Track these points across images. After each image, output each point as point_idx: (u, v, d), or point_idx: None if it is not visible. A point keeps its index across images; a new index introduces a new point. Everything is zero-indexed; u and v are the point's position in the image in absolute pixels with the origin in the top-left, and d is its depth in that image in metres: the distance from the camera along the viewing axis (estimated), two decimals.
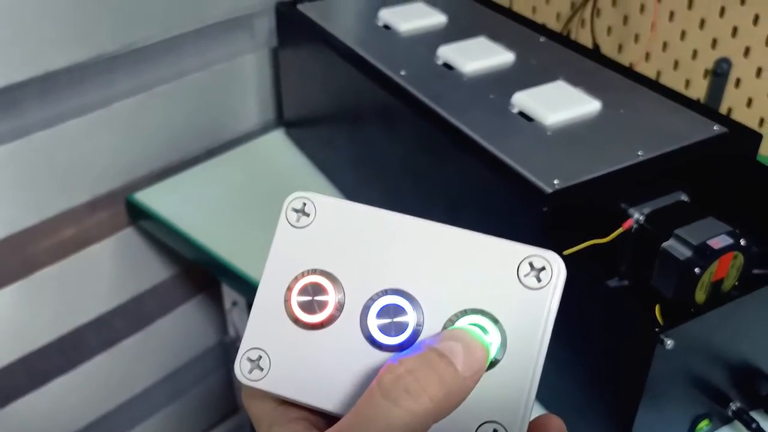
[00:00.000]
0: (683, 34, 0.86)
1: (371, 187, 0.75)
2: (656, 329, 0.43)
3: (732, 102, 0.84)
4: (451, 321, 0.27)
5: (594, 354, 0.50)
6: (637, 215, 0.54)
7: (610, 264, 0.56)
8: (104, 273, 0.86)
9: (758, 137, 0.58)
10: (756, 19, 0.79)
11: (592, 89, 0.64)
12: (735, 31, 0.81)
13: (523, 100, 0.62)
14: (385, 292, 0.28)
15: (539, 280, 0.27)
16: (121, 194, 0.83)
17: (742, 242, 0.51)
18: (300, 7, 0.83)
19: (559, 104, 0.61)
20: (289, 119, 0.92)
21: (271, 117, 0.97)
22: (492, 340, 0.27)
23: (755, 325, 0.50)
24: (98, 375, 0.90)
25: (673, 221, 0.52)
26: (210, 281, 0.95)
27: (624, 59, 0.92)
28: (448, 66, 0.69)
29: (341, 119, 0.78)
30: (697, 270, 0.49)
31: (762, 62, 0.80)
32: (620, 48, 0.92)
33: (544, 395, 0.56)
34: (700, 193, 0.56)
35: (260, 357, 0.29)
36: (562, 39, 0.75)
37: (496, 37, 0.74)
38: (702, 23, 0.83)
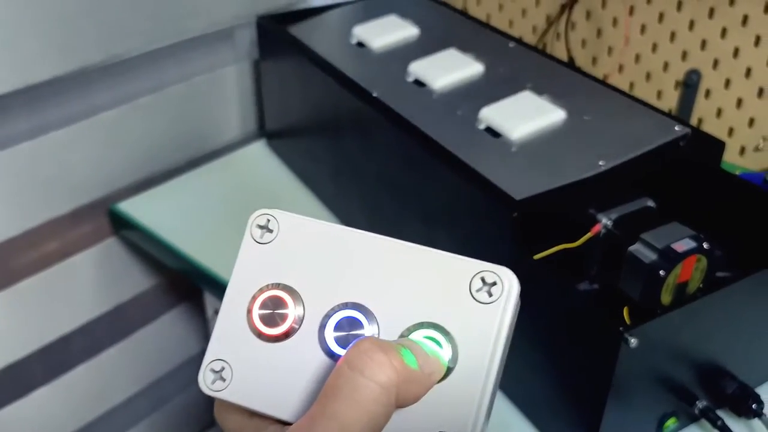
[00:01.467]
0: (654, 47, 0.88)
1: (350, 197, 0.76)
2: (620, 328, 0.44)
3: (702, 113, 0.86)
4: (404, 335, 0.28)
5: (563, 354, 0.52)
6: (605, 220, 0.55)
7: (580, 268, 0.57)
8: (87, 283, 0.86)
9: (721, 145, 0.60)
10: (724, 32, 0.81)
11: (558, 95, 0.65)
12: (704, 43, 0.83)
13: (490, 115, 0.64)
14: (343, 306, 0.29)
15: (490, 295, 0.28)
16: (103, 204, 0.84)
17: (705, 246, 0.53)
18: (280, 21, 0.84)
19: (524, 117, 0.63)
20: (270, 130, 0.94)
21: (252, 128, 0.99)
22: (445, 352, 0.27)
23: (719, 324, 0.52)
24: (81, 385, 0.91)
25: (639, 226, 0.54)
26: (192, 291, 0.96)
27: (598, 71, 0.95)
28: (419, 83, 0.71)
29: (321, 131, 0.79)
30: (661, 272, 0.51)
31: (730, 74, 0.82)
32: (594, 60, 0.95)
33: (516, 394, 0.57)
34: (666, 200, 0.58)
35: (223, 368, 0.30)
36: (531, 45, 0.77)
37: (467, 46, 0.75)
38: (672, 36, 0.86)
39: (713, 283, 0.54)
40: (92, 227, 0.85)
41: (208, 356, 0.30)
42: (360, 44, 0.80)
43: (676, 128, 0.60)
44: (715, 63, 0.83)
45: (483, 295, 0.28)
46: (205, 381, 0.30)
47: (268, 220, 0.32)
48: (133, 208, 0.82)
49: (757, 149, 0.83)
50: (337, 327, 0.29)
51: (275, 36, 0.82)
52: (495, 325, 0.27)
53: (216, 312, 0.90)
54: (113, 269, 0.88)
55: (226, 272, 0.73)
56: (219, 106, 0.93)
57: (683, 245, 0.52)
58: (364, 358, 0.25)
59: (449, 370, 0.27)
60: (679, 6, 0.84)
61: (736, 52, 0.81)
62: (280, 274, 0.31)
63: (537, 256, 0.53)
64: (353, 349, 0.26)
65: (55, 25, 0.73)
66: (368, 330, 0.29)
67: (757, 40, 0.79)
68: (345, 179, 0.76)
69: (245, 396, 0.29)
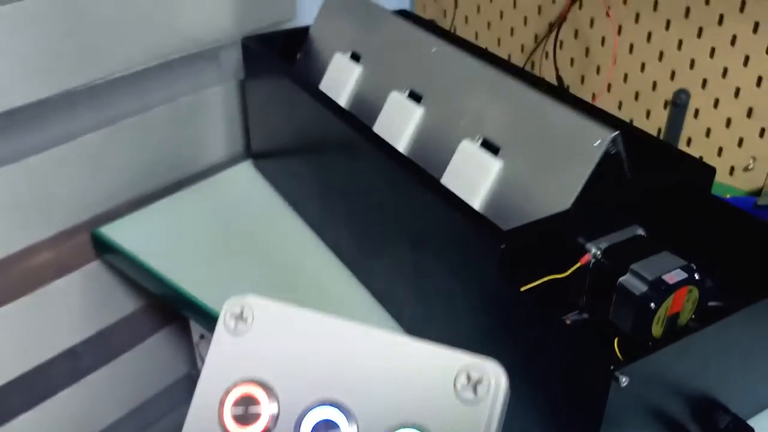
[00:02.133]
0: (643, 66, 0.88)
1: (337, 220, 0.75)
2: (611, 367, 0.43)
3: (691, 132, 0.86)
4: None
5: (553, 389, 0.51)
6: (594, 250, 0.55)
7: (569, 297, 0.57)
8: (70, 307, 0.85)
9: (712, 171, 0.59)
10: (712, 52, 0.81)
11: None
12: (692, 63, 0.83)
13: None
14: (320, 403, 0.28)
15: (476, 393, 0.26)
16: (86, 228, 0.83)
17: (697, 276, 0.52)
18: (267, 41, 0.83)
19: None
20: (256, 152, 0.93)
21: (239, 149, 0.98)
22: None
23: (712, 357, 0.51)
24: (64, 410, 0.89)
25: (629, 256, 0.53)
26: (178, 313, 0.95)
27: (586, 90, 0.94)
28: (414, 98, 0.70)
29: (306, 153, 0.78)
30: (652, 305, 0.50)
31: (719, 93, 0.82)
32: (582, 79, 0.94)
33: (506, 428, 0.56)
34: (656, 227, 0.57)
35: None
36: (524, 76, 0.76)
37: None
38: (661, 55, 0.85)
39: (705, 313, 0.54)
40: (75, 251, 0.83)
41: None
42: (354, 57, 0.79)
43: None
44: (704, 83, 0.83)
45: (468, 394, 0.26)
46: None
47: (243, 309, 0.30)
48: (115, 231, 0.81)
49: (746, 169, 0.83)
50: (315, 428, 0.28)
51: (260, 57, 0.81)
52: (482, 426, 0.26)
53: (202, 337, 0.89)
54: (97, 293, 0.87)
55: (209, 298, 0.72)
56: (205, 127, 0.92)
57: (674, 276, 0.51)
58: None
59: None
60: (668, 25, 0.84)
61: (725, 72, 0.81)
62: (254, 368, 0.29)
63: (524, 288, 0.52)
64: None
65: (34, 49, 0.72)
66: (346, 431, 0.27)
67: (746, 60, 0.78)
68: (331, 202, 0.75)
69: None
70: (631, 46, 0.88)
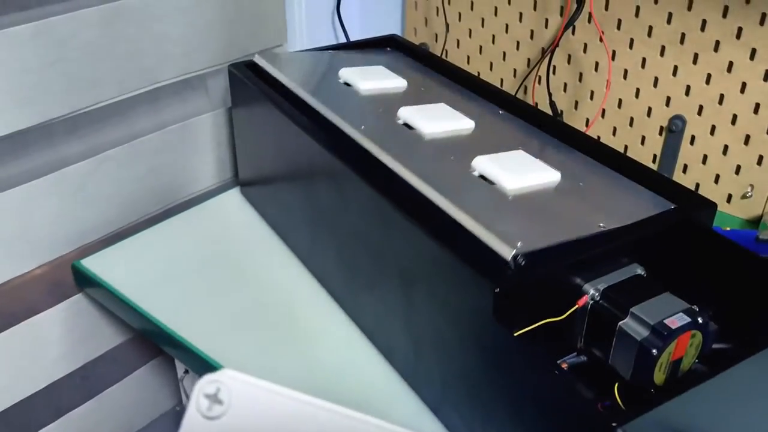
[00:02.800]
0: (637, 92, 0.86)
1: (326, 252, 0.73)
2: (613, 423, 0.41)
3: (688, 159, 0.85)
4: None
5: None
6: (592, 291, 0.53)
7: (567, 339, 0.55)
8: (52, 342, 0.82)
9: (713, 207, 0.58)
10: (708, 79, 0.80)
11: (550, 162, 0.63)
12: (688, 90, 0.82)
13: (484, 163, 0.61)
14: None
15: None
16: (70, 261, 0.80)
17: (700, 320, 0.50)
18: (256, 59, 0.82)
19: (520, 170, 0.60)
20: (244, 180, 0.91)
21: (228, 176, 0.96)
22: None
23: (718, 405, 0.49)
24: None
25: (629, 298, 0.52)
26: None
27: (580, 116, 0.93)
28: (408, 126, 0.69)
29: (293, 182, 0.76)
30: (654, 351, 0.48)
31: (715, 120, 0.81)
32: (576, 105, 0.93)
33: None
34: (657, 265, 0.56)
35: None
36: (521, 112, 0.75)
37: (455, 106, 0.73)
38: (655, 82, 0.84)
39: (709, 356, 0.52)
40: (57, 285, 0.81)
41: None
42: (347, 84, 0.77)
43: (670, 199, 0.58)
44: (700, 109, 0.82)
45: None
46: None
47: (219, 389, 0.28)
48: (97, 264, 0.79)
49: (744, 197, 0.81)
50: None
51: (246, 84, 0.79)
52: None
53: (186, 371, 0.86)
54: (80, 326, 0.85)
55: (191, 335, 0.69)
56: (193, 155, 0.90)
57: (677, 320, 0.49)
58: None
59: None
60: (662, 51, 0.82)
61: (721, 99, 0.79)
62: None
63: (518, 333, 0.50)
64: None
65: (15, 78, 0.69)
66: None
67: (743, 87, 0.77)
68: (319, 233, 0.73)
69: None
70: (626, 72, 0.87)
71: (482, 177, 0.61)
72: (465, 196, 0.57)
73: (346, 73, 0.78)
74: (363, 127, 0.66)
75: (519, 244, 0.50)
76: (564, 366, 0.54)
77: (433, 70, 0.85)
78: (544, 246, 0.51)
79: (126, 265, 0.79)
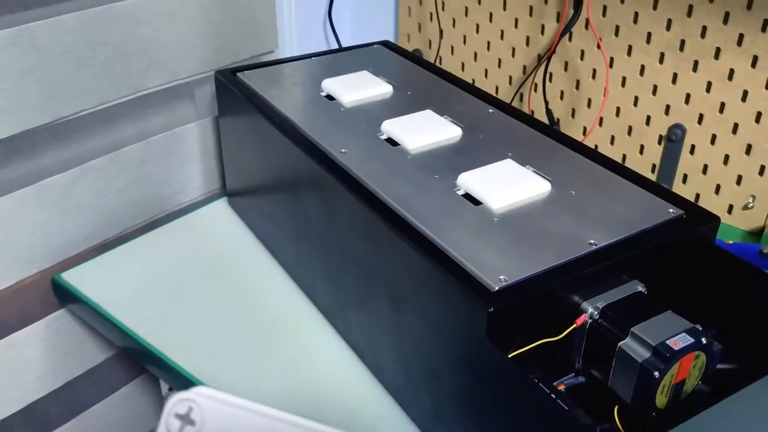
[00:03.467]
0: (636, 100, 0.84)
1: (312, 267, 0.70)
2: None
3: (687, 169, 0.82)
4: None
5: None
6: (591, 310, 0.50)
7: (564, 359, 0.52)
8: (32, 360, 0.80)
9: (716, 220, 0.55)
10: (708, 87, 0.77)
11: (541, 167, 0.61)
12: (688, 98, 0.80)
13: (469, 181, 0.59)
14: None
15: None
16: (50, 275, 0.78)
17: (704, 340, 0.48)
18: (240, 75, 0.79)
19: (507, 185, 0.58)
20: (231, 191, 0.88)
21: (216, 187, 0.93)
22: None
23: (724, 429, 0.47)
24: None
25: (629, 317, 0.49)
26: None
27: (577, 124, 0.90)
28: (392, 142, 0.66)
29: (280, 194, 0.74)
30: (656, 374, 0.46)
31: (716, 129, 0.78)
32: (573, 113, 0.91)
33: None
34: (658, 281, 0.53)
35: None
36: (512, 110, 0.72)
37: (443, 108, 0.71)
38: (654, 89, 0.82)
39: (713, 377, 0.49)
40: (38, 300, 0.78)
41: None
42: (329, 97, 0.75)
43: (670, 210, 0.55)
44: (700, 118, 0.79)
45: None
46: None
47: (191, 408, 0.26)
48: (78, 278, 0.76)
49: (746, 208, 0.79)
50: None
51: (233, 91, 0.77)
52: None
53: (171, 389, 0.83)
54: (62, 343, 0.82)
55: (174, 353, 0.67)
56: (179, 165, 0.87)
57: (680, 341, 0.47)
58: None
59: None
60: (662, 59, 0.80)
61: (722, 107, 0.77)
62: None
63: (512, 354, 0.47)
64: None
65: None
66: None
67: (744, 95, 0.75)
68: (306, 247, 0.71)
69: None
70: (624, 80, 0.84)
71: (468, 196, 0.58)
72: (449, 224, 0.54)
73: (329, 85, 0.75)
74: (344, 150, 0.64)
75: (502, 277, 0.48)
76: (561, 387, 0.52)
77: (422, 68, 0.83)
78: (533, 273, 0.49)
79: (108, 280, 0.76)
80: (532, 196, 0.58)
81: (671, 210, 0.56)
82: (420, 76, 0.81)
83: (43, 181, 0.75)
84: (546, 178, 0.59)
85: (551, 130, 0.69)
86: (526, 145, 0.65)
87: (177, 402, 0.26)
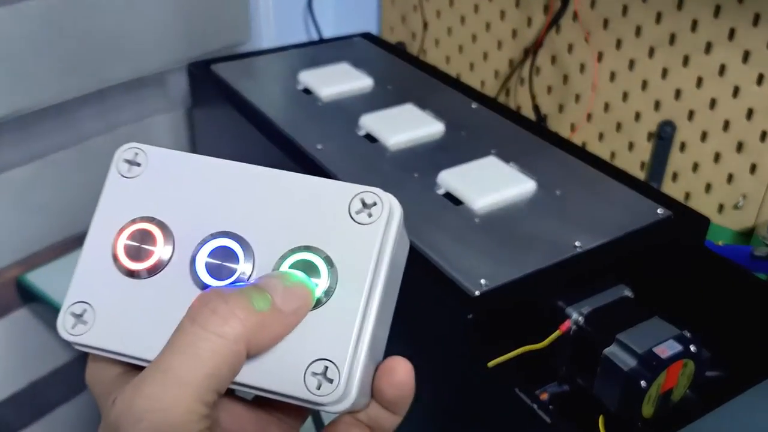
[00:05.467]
0: (625, 96, 0.82)
1: None
2: None
3: (677, 166, 0.80)
4: (282, 258, 0.27)
5: None
6: (575, 315, 0.48)
7: (549, 365, 0.49)
8: None
9: (706, 222, 0.53)
10: (699, 82, 0.75)
11: (525, 165, 0.58)
12: (678, 93, 0.77)
13: (450, 179, 0.56)
14: (216, 236, 0.28)
15: (370, 216, 0.27)
16: (12, 273, 0.74)
17: (692, 348, 0.45)
18: (214, 67, 0.76)
19: (489, 184, 0.55)
20: None
21: None
22: (322, 278, 0.26)
23: None
24: None
25: (615, 323, 0.47)
26: None
27: (565, 120, 0.88)
28: (370, 138, 0.63)
29: None
30: (643, 383, 0.43)
31: (707, 126, 0.76)
32: (561, 108, 0.88)
33: None
34: (645, 285, 0.51)
35: (85, 311, 0.28)
36: (496, 105, 0.70)
37: (425, 102, 0.68)
38: (644, 85, 0.79)
39: (701, 385, 0.47)
40: (0, 299, 0.75)
41: (69, 298, 0.28)
42: (307, 91, 0.72)
43: (659, 211, 0.53)
44: (691, 114, 0.77)
45: (363, 217, 0.27)
46: (65, 326, 0.28)
47: (136, 154, 0.30)
48: (42, 278, 0.73)
49: (736, 207, 0.77)
50: (210, 256, 0.27)
51: (207, 83, 0.73)
52: (376, 244, 0.27)
53: None
54: (26, 343, 0.78)
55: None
56: None
57: (667, 349, 0.44)
58: (205, 312, 0.24)
59: (328, 294, 0.26)
60: (651, 53, 0.78)
61: (713, 103, 0.75)
62: (147, 207, 0.29)
63: (493, 363, 0.44)
64: (195, 303, 0.25)
65: None
66: (242, 259, 0.27)
67: (736, 91, 0.73)
68: None
69: (109, 339, 0.27)
70: (613, 74, 0.82)
71: (449, 195, 0.55)
72: (428, 226, 0.51)
73: (306, 78, 0.72)
74: (320, 146, 0.61)
75: (483, 281, 0.45)
76: (545, 396, 0.49)
77: (404, 60, 0.80)
78: (516, 277, 0.46)
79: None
80: (515, 195, 0.55)
81: (660, 211, 0.53)
82: (401, 70, 0.78)
83: (3, 175, 0.71)
84: (531, 177, 0.57)
85: (537, 126, 0.66)
86: (511, 142, 0.63)
87: (125, 149, 0.30)
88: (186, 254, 0.28)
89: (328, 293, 0.26)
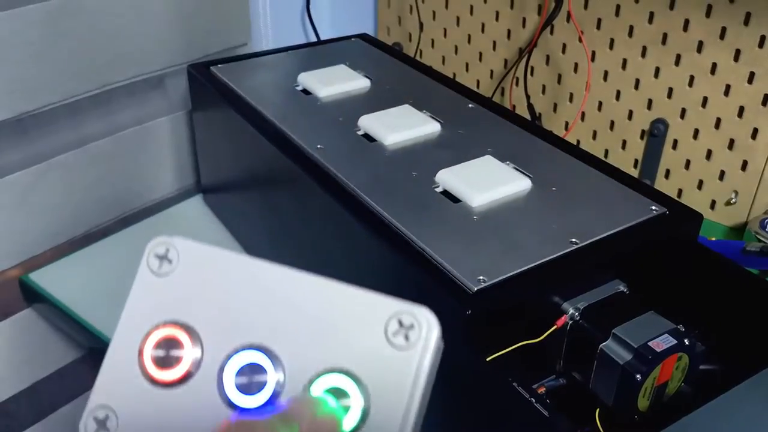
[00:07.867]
0: (618, 95, 0.83)
1: (290, 265, 0.68)
2: None
3: (670, 164, 0.81)
4: (315, 376, 0.26)
5: None
6: (571, 311, 0.49)
7: (545, 360, 0.51)
8: None
9: (699, 218, 0.54)
10: (691, 81, 0.76)
11: (521, 163, 0.59)
12: (670, 92, 0.78)
13: (448, 178, 0.57)
14: (246, 347, 0.27)
15: (407, 339, 0.26)
16: (15, 274, 0.75)
17: (687, 341, 0.46)
18: (214, 69, 0.77)
19: (486, 183, 0.56)
20: (206, 187, 0.86)
21: (190, 182, 0.91)
22: (353, 403, 0.25)
23: None
24: None
25: (611, 317, 0.48)
26: None
27: (559, 119, 0.89)
28: (369, 137, 0.64)
29: (255, 191, 0.72)
30: (638, 376, 0.44)
31: (698, 124, 0.77)
32: (555, 107, 0.89)
33: None
34: (640, 280, 0.52)
35: (107, 416, 0.27)
36: (491, 104, 0.71)
37: (422, 103, 0.69)
38: (637, 84, 0.81)
39: (696, 379, 0.48)
40: (3, 300, 0.75)
41: (92, 402, 0.27)
42: (305, 91, 0.73)
43: (653, 207, 0.54)
44: (683, 112, 0.78)
45: (399, 339, 0.26)
46: (88, 431, 0.27)
47: (168, 250, 0.29)
48: (46, 278, 0.73)
49: (728, 203, 0.78)
50: (239, 372, 0.27)
51: (207, 85, 0.74)
52: (412, 373, 0.26)
53: None
54: (29, 344, 0.79)
55: None
56: (151, 161, 0.85)
57: (662, 343, 0.45)
58: None
59: (361, 421, 0.25)
60: (644, 52, 0.79)
61: (704, 102, 0.76)
62: (177, 310, 0.28)
63: (490, 358, 0.45)
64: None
65: None
66: (272, 376, 0.26)
67: (727, 90, 0.74)
68: (281, 245, 0.69)
69: None
70: (606, 74, 0.83)
71: (446, 193, 0.56)
72: (427, 223, 0.52)
73: (305, 79, 0.73)
74: (319, 146, 0.62)
75: (481, 277, 0.46)
76: (541, 390, 0.50)
77: (400, 61, 0.81)
78: (513, 273, 0.47)
79: (77, 279, 0.74)
80: (512, 193, 0.56)
81: (653, 207, 0.54)
82: (398, 70, 0.79)
83: (6, 178, 0.72)
84: (526, 175, 0.58)
85: (532, 125, 0.67)
86: (507, 141, 0.64)
87: (156, 244, 0.29)
88: (214, 365, 0.27)
89: (362, 420, 0.25)
